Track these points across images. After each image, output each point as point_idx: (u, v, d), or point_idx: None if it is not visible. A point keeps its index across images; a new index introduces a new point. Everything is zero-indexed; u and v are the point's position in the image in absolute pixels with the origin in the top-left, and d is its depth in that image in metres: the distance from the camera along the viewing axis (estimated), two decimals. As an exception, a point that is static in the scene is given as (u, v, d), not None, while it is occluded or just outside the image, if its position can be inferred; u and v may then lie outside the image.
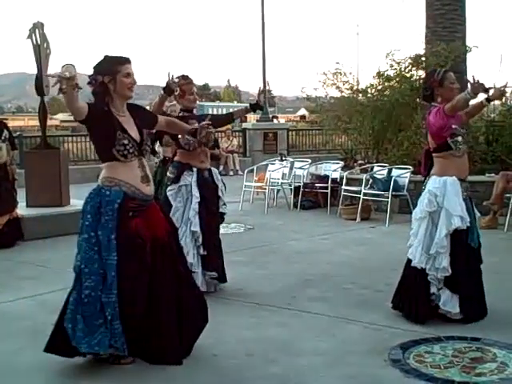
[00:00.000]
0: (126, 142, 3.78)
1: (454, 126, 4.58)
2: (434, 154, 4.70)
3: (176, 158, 5.42)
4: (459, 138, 4.60)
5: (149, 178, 3.94)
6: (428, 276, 4.56)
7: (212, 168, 5.52)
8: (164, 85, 4.79)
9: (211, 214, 5.36)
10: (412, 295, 4.65)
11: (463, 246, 4.59)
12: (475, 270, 4.69)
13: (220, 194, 5.47)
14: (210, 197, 5.34)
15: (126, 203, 3.76)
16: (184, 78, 5.32)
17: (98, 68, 3.83)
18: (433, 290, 4.59)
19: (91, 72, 3.83)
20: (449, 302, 4.56)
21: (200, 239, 5.24)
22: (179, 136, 5.14)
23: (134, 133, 3.87)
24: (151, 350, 3.86)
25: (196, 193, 5.23)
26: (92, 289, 3.70)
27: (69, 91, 3.43)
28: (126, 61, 3.89)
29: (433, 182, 4.62)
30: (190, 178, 5.26)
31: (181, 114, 5.36)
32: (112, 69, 3.82)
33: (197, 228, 5.21)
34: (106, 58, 3.90)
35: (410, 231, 4.75)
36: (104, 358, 3.84)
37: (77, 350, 3.70)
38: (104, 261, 3.69)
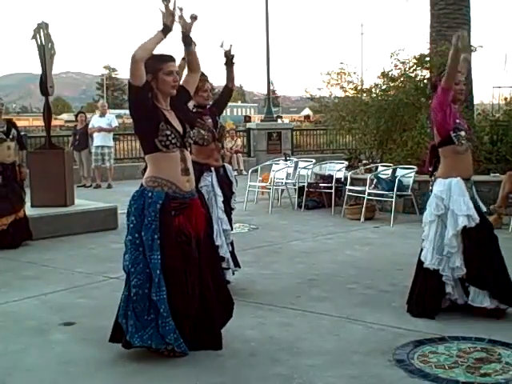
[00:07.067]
0: (168, 132, 3.88)
1: (457, 121, 4.69)
2: (439, 150, 4.77)
3: (193, 158, 5.42)
4: (462, 133, 4.68)
5: (189, 171, 4.03)
6: (443, 277, 4.65)
7: (226, 164, 5.63)
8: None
9: (229, 210, 5.50)
10: (424, 296, 4.70)
11: (479, 243, 4.67)
12: (499, 262, 4.75)
13: (234, 189, 5.59)
14: (227, 194, 5.46)
15: (167, 203, 3.85)
16: None
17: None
18: (448, 289, 4.66)
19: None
20: (476, 298, 4.64)
21: (230, 236, 5.40)
22: (193, 132, 5.13)
23: (176, 124, 3.97)
24: (204, 340, 4.00)
25: (219, 191, 5.32)
26: (139, 287, 3.81)
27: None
28: (170, 59, 3.96)
29: (438, 185, 4.71)
30: (209, 178, 5.31)
31: (194, 110, 5.37)
32: (154, 66, 3.88)
33: (228, 226, 5.34)
34: (151, 55, 3.93)
35: (422, 234, 4.81)
36: (159, 350, 3.93)
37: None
38: (148, 260, 3.80)
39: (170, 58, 3.97)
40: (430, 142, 5.03)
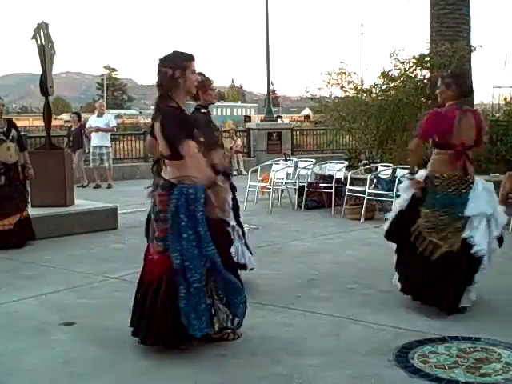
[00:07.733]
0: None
1: None
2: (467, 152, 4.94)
3: None
4: None
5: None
6: (481, 265, 4.71)
7: None
8: None
9: (236, 208, 5.58)
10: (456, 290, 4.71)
11: None
12: None
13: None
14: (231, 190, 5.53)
15: (205, 196, 3.93)
16: (202, 74, 5.37)
17: (168, 61, 3.88)
18: (477, 278, 4.76)
19: (158, 64, 3.91)
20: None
21: (240, 232, 5.53)
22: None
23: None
24: None
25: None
26: (198, 281, 3.90)
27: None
28: (194, 58, 4.01)
29: (483, 183, 5.03)
30: None
31: (202, 111, 5.37)
32: (182, 64, 3.91)
33: (233, 222, 5.36)
34: (175, 53, 3.97)
35: (470, 225, 4.79)
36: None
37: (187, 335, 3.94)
38: (205, 252, 3.89)
39: (194, 58, 4.03)
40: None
